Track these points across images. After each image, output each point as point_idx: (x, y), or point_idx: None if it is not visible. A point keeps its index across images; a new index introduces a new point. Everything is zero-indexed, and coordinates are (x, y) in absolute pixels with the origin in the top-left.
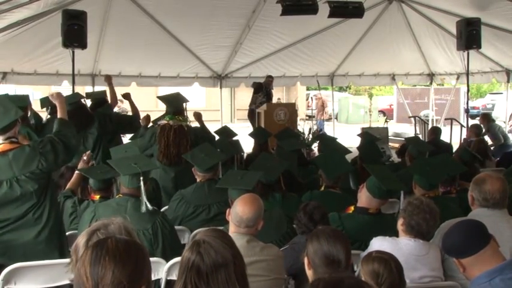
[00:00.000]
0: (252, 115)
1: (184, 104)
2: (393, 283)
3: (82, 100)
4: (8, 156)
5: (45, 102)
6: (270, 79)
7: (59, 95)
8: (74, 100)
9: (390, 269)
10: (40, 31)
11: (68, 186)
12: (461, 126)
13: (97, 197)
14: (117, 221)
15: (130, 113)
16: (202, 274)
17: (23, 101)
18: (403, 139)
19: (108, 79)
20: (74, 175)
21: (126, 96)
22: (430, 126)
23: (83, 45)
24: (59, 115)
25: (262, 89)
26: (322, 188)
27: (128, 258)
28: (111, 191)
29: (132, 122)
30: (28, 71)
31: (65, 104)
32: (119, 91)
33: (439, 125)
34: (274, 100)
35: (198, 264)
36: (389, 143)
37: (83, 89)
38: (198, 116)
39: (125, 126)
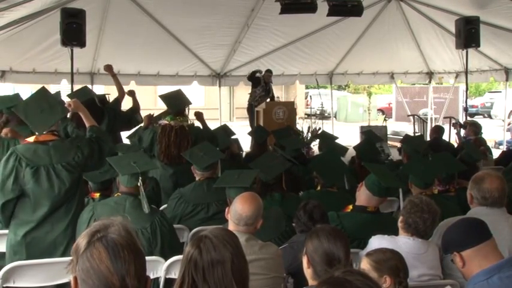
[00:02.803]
0: (250, 110)
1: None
2: (396, 266)
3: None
4: (48, 145)
5: None
6: (268, 73)
7: (76, 103)
8: (85, 98)
9: (392, 254)
10: (39, 30)
11: None
12: (460, 125)
13: (97, 194)
14: (117, 221)
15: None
16: (199, 269)
17: (14, 101)
18: (402, 137)
19: (109, 69)
20: None
21: (131, 93)
22: (429, 124)
23: (82, 43)
24: (87, 123)
25: (261, 83)
26: (319, 188)
27: (140, 252)
28: (112, 189)
29: (130, 118)
30: (27, 69)
31: (86, 109)
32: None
33: (438, 124)
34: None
35: (196, 258)
36: (388, 142)
37: None
38: (199, 115)
39: (123, 124)
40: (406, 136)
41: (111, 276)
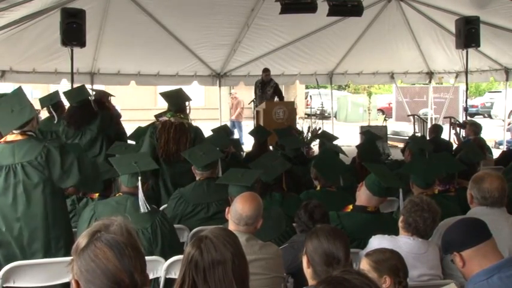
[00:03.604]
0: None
1: (186, 102)
2: (396, 266)
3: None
4: (13, 145)
5: (45, 101)
6: (265, 73)
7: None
8: (80, 98)
9: (391, 254)
10: (39, 30)
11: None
12: (459, 125)
13: (96, 195)
14: (118, 221)
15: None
16: (199, 269)
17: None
18: (402, 137)
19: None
20: None
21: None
22: (429, 124)
23: (82, 43)
24: None
25: (258, 84)
26: (318, 188)
27: (140, 249)
28: (111, 190)
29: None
30: (27, 69)
31: None
32: (119, 90)
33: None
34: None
35: (196, 259)
36: (388, 142)
37: None
38: None
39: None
40: (413, 136)
41: (120, 274)
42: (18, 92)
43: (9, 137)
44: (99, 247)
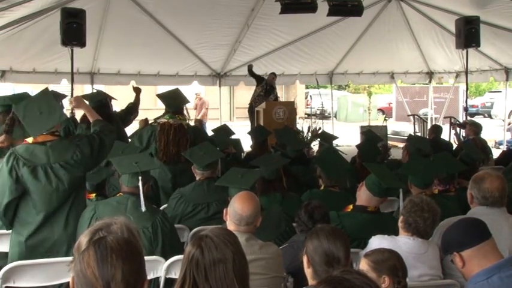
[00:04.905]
0: (251, 111)
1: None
2: (395, 266)
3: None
4: (46, 145)
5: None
6: (272, 76)
7: (77, 99)
8: (97, 98)
9: (390, 254)
10: (39, 29)
11: None
12: (459, 124)
13: (93, 195)
14: (119, 220)
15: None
16: (200, 268)
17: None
18: (402, 137)
19: (137, 90)
20: None
21: (137, 91)
22: (429, 124)
23: (82, 43)
24: (91, 118)
25: (262, 83)
26: (322, 188)
27: (131, 256)
28: (105, 189)
29: (123, 119)
30: (27, 69)
31: (88, 106)
32: (118, 90)
33: (438, 123)
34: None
35: (197, 258)
36: (388, 142)
37: (82, 88)
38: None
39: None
40: (411, 136)
41: (95, 282)
42: (45, 93)
43: (40, 138)
44: (88, 250)
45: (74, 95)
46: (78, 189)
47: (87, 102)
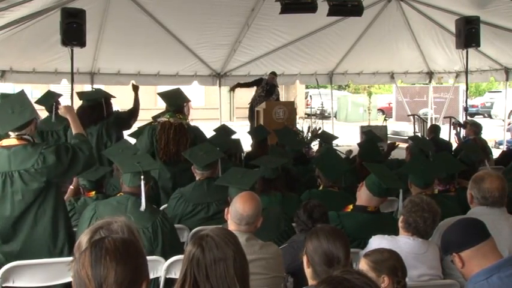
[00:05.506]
0: (251, 111)
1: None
2: (394, 266)
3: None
4: (9, 150)
5: (44, 101)
6: (272, 75)
7: (68, 109)
8: (93, 97)
9: (390, 254)
10: (39, 29)
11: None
12: (459, 125)
13: (92, 193)
14: (120, 219)
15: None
16: (201, 267)
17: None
18: (402, 137)
19: (135, 88)
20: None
21: (135, 89)
22: (429, 124)
23: (82, 43)
24: (73, 130)
25: (262, 83)
26: (321, 188)
27: (128, 257)
28: (104, 187)
29: (127, 119)
30: (27, 69)
31: (76, 117)
32: (118, 90)
33: (438, 123)
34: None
35: (198, 257)
36: (388, 142)
37: (82, 88)
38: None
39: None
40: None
41: (88, 283)
42: (21, 94)
43: (5, 142)
44: (85, 250)
45: (74, 95)
46: (47, 193)
47: (78, 98)
